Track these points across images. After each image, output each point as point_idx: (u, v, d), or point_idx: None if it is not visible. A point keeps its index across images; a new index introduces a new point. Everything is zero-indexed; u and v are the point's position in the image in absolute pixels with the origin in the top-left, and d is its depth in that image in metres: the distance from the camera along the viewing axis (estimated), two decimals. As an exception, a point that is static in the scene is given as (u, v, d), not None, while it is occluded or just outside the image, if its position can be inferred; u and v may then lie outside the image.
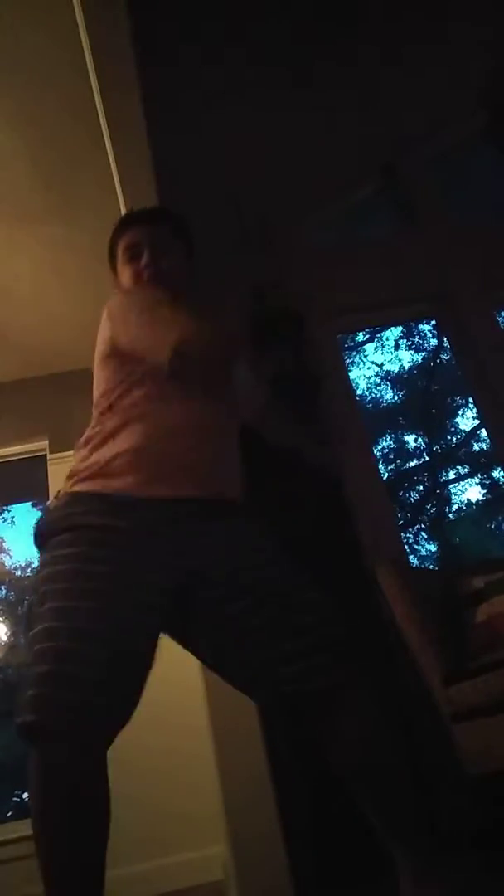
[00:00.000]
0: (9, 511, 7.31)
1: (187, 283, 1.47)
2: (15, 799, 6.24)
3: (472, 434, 8.36)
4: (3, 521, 7.46)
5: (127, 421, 1.20)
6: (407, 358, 9.13)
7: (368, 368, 8.63)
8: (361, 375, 8.60)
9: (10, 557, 7.66)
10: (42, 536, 1.16)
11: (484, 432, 7.38)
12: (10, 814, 6.15)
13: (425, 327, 8.26)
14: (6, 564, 7.46)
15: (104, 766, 1.01)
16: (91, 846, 0.97)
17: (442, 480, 8.62)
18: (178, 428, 1.20)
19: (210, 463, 1.21)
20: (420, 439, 8.72)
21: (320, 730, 1.09)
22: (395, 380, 8.71)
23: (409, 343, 8.58)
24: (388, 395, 8.81)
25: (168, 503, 1.13)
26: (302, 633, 1.07)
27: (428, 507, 8.59)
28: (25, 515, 7.49)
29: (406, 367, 8.75)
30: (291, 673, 1.06)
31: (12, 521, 7.50)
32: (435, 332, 8.14)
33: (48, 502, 1.19)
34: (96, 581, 1.04)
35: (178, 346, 1.15)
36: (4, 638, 5.80)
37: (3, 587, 7.46)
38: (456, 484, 8.66)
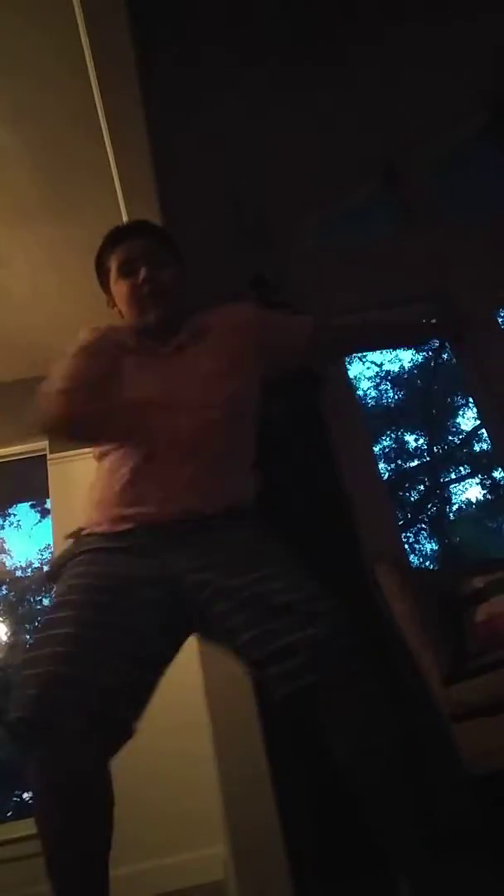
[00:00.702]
0: (15, 515, 7.31)
1: (182, 296, 1.46)
2: (15, 799, 6.25)
3: (473, 434, 8.36)
4: (10, 525, 7.46)
5: (97, 477, 1.32)
6: (407, 358, 9.14)
7: (368, 368, 8.63)
8: (361, 375, 8.60)
9: (11, 558, 7.66)
10: (54, 571, 1.24)
11: (484, 432, 7.38)
12: (9, 814, 6.15)
13: (425, 327, 8.24)
14: (6, 564, 7.46)
15: (103, 765, 1.03)
16: (94, 844, 0.99)
17: (442, 480, 8.61)
18: (131, 466, 1.26)
19: (179, 486, 1.23)
20: (420, 439, 8.72)
21: (317, 732, 1.08)
22: (396, 379, 8.71)
23: (408, 343, 8.56)
24: (389, 394, 8.81)
25: (144, 529, 1.19)
26: (281, 633, 1.07)
27: (428, 506, 8.59)
28: (26, 515, 7.49)
29: (406, 367, 8.75)
30: (277, 673, 1.06)
31: (18, 524, 7.51)
32: (435, 331, 8.12)
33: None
34: (98, 594, 1.11)
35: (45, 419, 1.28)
36: (4, 638, 5.81)
37: (3, 587, 7.47)
38: (456, 484, 8.66)
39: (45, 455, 3.19)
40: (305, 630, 1.06)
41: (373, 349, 1.74)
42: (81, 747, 1.00)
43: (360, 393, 8.40)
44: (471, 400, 6.60)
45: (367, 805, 1.04)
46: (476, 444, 8.42)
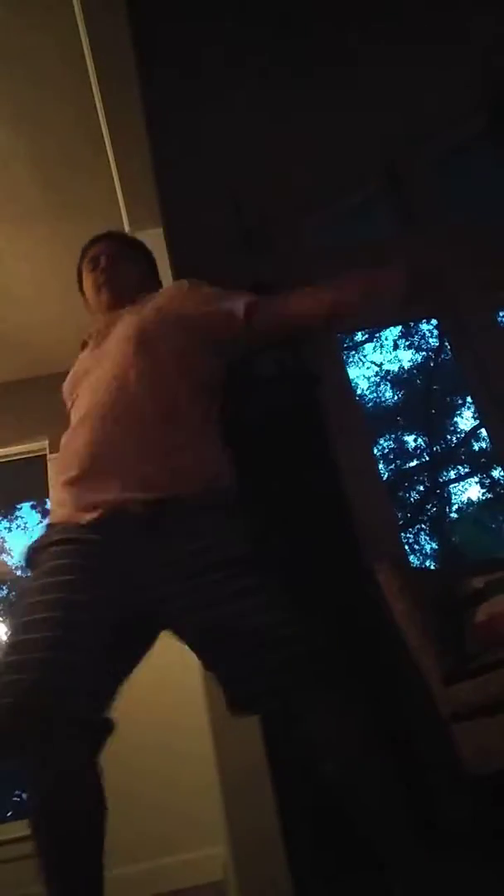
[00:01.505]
0: (21, 517, 7.29)
1: (141, 291, 1.49)
2: (15, 799, 6.24)
3: (472, 434, 8.36)
4: (17, 528, 7.45)
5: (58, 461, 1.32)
6: (407, 357, 9.14)
7: (368, 368, 8.63)
8: (361, 375, 8.61)
9: (12, 558, 7.66)
10: (27, 563, 1.22)
11: (484, 432, 7.37)
12: (9, 814, 6.15)
13: (425, 327, 8.27)
14: (7, 564, 7.46)
15: (90, 768, 1.01)
16: (86, 851, 0.98)
17: (442, 480, 8.62)
18: (72, 450, 1.24)
19: (119, 471, 1.17)
20: (420, 439, 8.72)
21: (300, 741, 1.08)
22: (395, 379, 8.71)
23: (407, 343, 8.58)
24: (388, 394, 8.81)
25: (106, 520, 1.13)
26: (247, 651, 1.05)
27: (428, 506, 8.59)
28: (28, 517, 7.50)
29: (406, 367, 8.75)
30: (244, 694, 1.07)
31: (24, 526, 7.50)
32: (435, 331, 8.15)
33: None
34: (55, 591, 1.07)
35: None
36: (4, 638, 5.80)
37: (3, 587, 7.46)
38: (456, 484, 8.66)
39: (45, 455, 3.20)
40: (272, 655, 1.04)
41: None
42: (69, 749, 0.99)
43: (360, 393, 8.40)
44: (470, 400, 6.60)
45: (355, 818, 1.04)
46: (475, 444, 8.43)
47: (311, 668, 1.05)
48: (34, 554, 1.18)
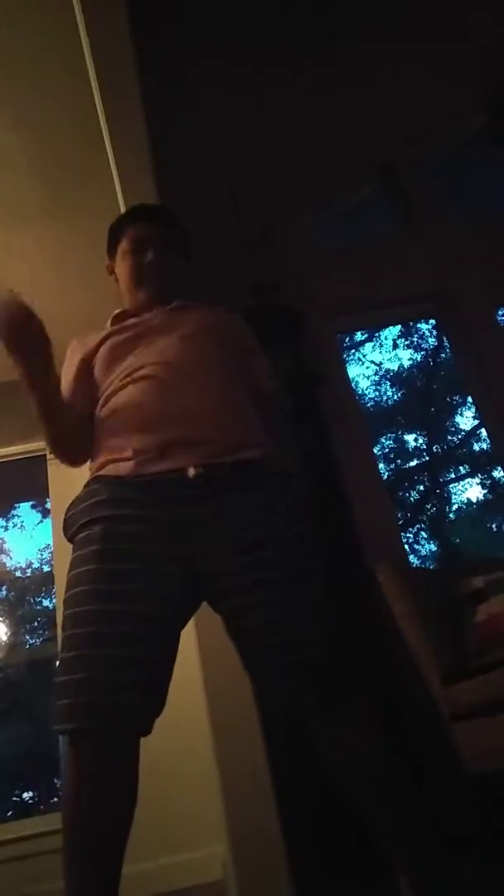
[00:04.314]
0: (18, 516, 7.28)
1: (183, 288, 1.50)
2: (15, 799, 6.24)
3: (472, 434, 8.36)
4: (14, 527, 7.43)
5: (105, 417, 1.30)
6: (406, 357, 9.13)
7: (367, 367, 8.63)
8: (361, 375, 8.60)
9: (11, 558, 7.66)
10: (68, 530, 1.21)
11: (484, 432, 7.37)
12: (10, 813, 6.14)
13: (424, 326, 8.26)
14: (6, 565, 7.46)
15: (136, 760, 1.05)
16: (118, 842, 0.99)
17: (442, 480, 8.61)
18: (144, 406, 1.23)
19: (192, 431, 1.19)
20: (420, 439, 8.72)
21: (314, 741, 1.08)
22: (395, 379, 8.71)
23: (407, 342, 8.57)
24: (388, 394, 8.80)
25: (164, 482, 1.14)
26: (283, 651, 1.06)
27: (428, 506, 8.58)
28: (27, 516, 7.49)
29: (406, 366, 8.75)
30: (277, 691, 1.08)
31: (21, 525, 7.48)
32: (434, 331, 8.14)
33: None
34: (112, 580, 1.08)
35: None
36: (4, 638, 5.81)
37: (3, 587, 7.46)
38: (456, 483, 8.66)
39: (45, 455, 3.19)
40: (302, 651, 1.05)
41: None
42: (121, 744, 1.02)
43: (360, 393, 8.40)
44: (470, 399, 6.60)
45: (372, 818, 1.04)
46: (475, 444, 8.42)
47: (340, 664, 1.07)
48: (75, 529, 1.17)
